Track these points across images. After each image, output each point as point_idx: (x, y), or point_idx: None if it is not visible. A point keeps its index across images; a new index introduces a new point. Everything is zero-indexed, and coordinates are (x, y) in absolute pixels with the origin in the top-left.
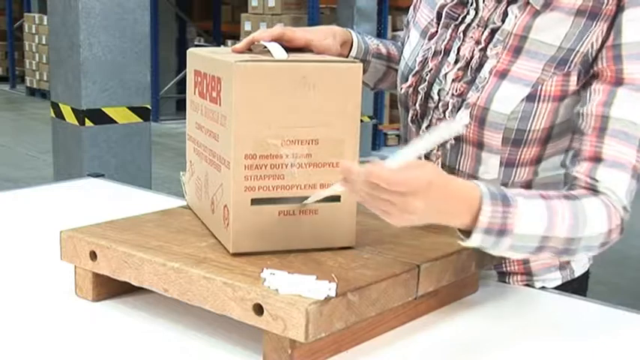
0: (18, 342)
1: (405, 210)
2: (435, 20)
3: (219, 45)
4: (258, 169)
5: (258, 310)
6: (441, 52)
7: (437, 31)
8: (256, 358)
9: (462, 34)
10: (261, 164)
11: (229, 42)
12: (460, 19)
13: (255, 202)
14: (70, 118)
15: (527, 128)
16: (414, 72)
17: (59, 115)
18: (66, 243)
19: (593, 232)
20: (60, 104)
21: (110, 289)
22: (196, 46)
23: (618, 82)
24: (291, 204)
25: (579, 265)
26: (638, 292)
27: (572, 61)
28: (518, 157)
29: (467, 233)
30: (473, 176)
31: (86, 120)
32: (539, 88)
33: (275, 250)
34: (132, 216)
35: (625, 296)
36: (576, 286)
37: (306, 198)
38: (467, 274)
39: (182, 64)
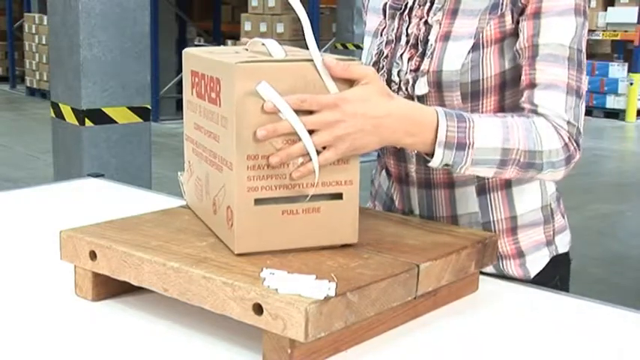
0: (18, 342)
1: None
2: (382, 18)
3: (219, 45)
4: (261, 169)
5: (258, 309)
6: (392, 40)
7: (385, 26)
8: (256, 358)
9: (407, 17)
10: (264, 164)
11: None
12: (403, 6)
13: (258, 202)
14: (70, 118)
15: (480, 77)
16: (371, 64)
17: (59, 115)
18: (66, 243)
19: (551, 146)
20: (60, 104)
21: (110, 288)
22: (196, 46)
23: (539, 12)
24: (294, 203)
25: (562, 244)
26: (638, 292)
27: (502, 3)
28: (480, 109)
29: (431, 155)
30: None
31: (86, 120)
32: (481, 36)
33: (279, 249)
34: (132, 216)
35: (625, 296)
36: (562, 259)
37: (308, 196)
38: (467, 274)
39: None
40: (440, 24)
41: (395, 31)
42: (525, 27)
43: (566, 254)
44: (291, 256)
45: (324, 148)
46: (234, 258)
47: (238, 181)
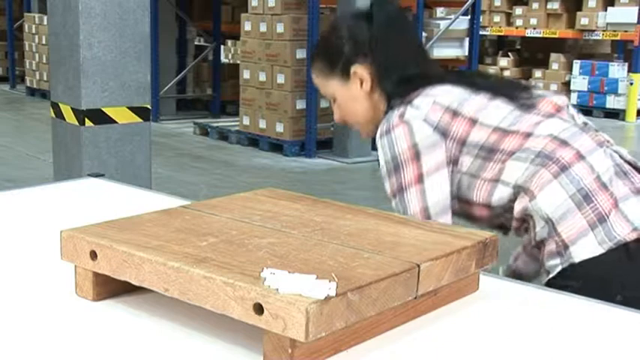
0: (18, 342)
1: None
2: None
3: (219, 45)
4: None
5: (259, 309)
6: None
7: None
8: (257, 358)
9: None
10: None
11: (229, 42)
12: None
13: None
14: (70, 118)
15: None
16: None
17: (59, 115)
18: (66, 243)
19: None
20: (60, 104)
21: (110, 288)
22: (196, 46)
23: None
24: None
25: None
26: None
27: None
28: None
29: None
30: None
31: (86, 120)
32: None
33: None
34: (132, 216)
35: None
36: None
37: None
38: (467, 273)
39: (182, 64)
40: None
41: None
42: None
43: (592, 260)
44: (291, 256)
45: None
46: (235, 258)
47: None
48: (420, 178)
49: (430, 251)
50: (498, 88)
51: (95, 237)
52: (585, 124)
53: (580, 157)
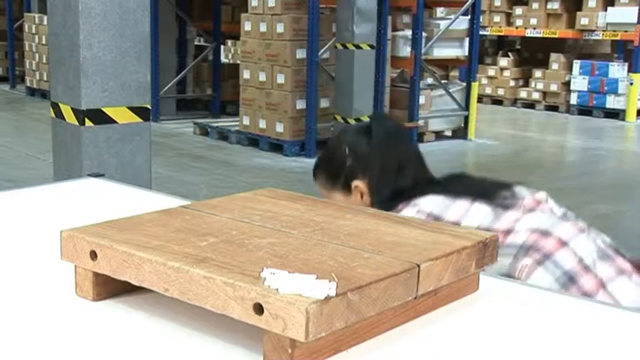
0: (18, 342)
1: None
2: None
3: (219, 45)
4: None
5: (259, 309)
6: None
7: None
8: (256, 358)
9: None
10: None
11: (229, 42)
12: None
13: None
14: (70, 118)
15: None
16: None
17: (59, 115)
18: (66, 242)
19: None
20: (60, 104)
21: (110, 288)
22: (196, 46)
23: None
24: None
25: None
26: None
27: None
28: None
29: None
30: None
31: (86, 120)
32: None
33: None
34: (132, 216)
35: None
36: None
37: None
38: (467, 273)
39: (182, 64)
40: None
41: None
42: None
43: None
44: (291, 256)
45: None
46: (235, 258)
47: None
48: None
49: (430, 251)
50: (477, 190)
51: (95, 237)
52: (564, 214)
53: (562, 243)
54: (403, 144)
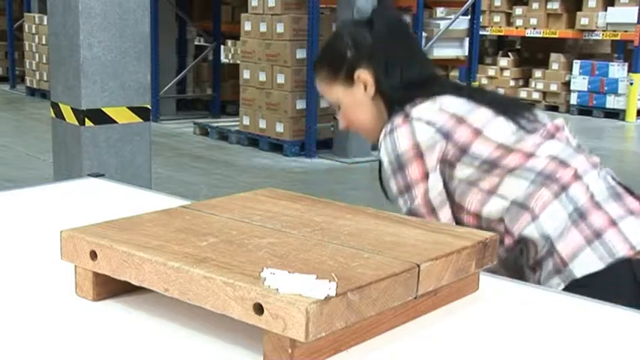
0: (18, 342)
1: None
2: None
3: (219, 45)
4: None
5: (259, 309)
6: None
7: None
8: (256, 358)
9: None
10: None
11: (229, 42)
12: None
13: None
14: (70, 118)
15: None
16: None
17: (59, 115)
18: (66, 242)
19: None
20: (60, 104)
21: (110, 288)
22: (196, 46)
23: None
24: None
25: (580, 267)
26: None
27: None
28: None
29: None
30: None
31: (86, 120)
32: None
33: None
34: (132, 216)
35: None
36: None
37: None
38: (467, 273)
39: (182, 64)
40: None
41: None
42: None
43: (593, 276)
44: (291, 256)
45: None
46: (235, 258)
47: None
48: (425, 176)
49: (430, 251)
50: (500, 105)
51: (95, 237)
52: (579, 146)
53: (577, 177)
54: (406, 34)
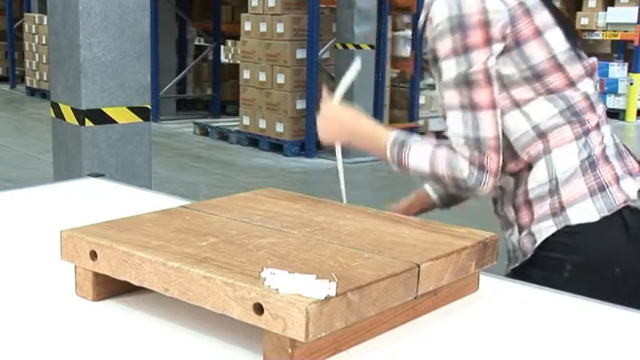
0: (18, 342)
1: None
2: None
3: (219, 45)
4: None
5: (259, 309)
6: None
7: None
8: (257, 358)
9: None
10: None
11: (229, 42)
12: None
13: None
14: (70, 118)
15: None
16: None
17: (59, 115)
18: (66, 243)
19: (449, 171)
20: (60, 104)
21: (110, 288)
22: (196, 46)
23: (437, 59)
24: None
25: (577, 214)
26: None
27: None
28: None
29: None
30: None
31: (86, 120)
32: None
33: None
34: (132, 216)
35: None
36: (579, 233)
37: None
38: (467, 273)
39: (182, 64)
40: None
41: None
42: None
43: (588, 225)
44: (291, 256)
45: None
46: (235, 258)
47: None
48: (488, 42)
49: (430, 251)
50: (562, 17)
51: (95, 237)
52: (599, 93)
53: (598, 126)
54: None
